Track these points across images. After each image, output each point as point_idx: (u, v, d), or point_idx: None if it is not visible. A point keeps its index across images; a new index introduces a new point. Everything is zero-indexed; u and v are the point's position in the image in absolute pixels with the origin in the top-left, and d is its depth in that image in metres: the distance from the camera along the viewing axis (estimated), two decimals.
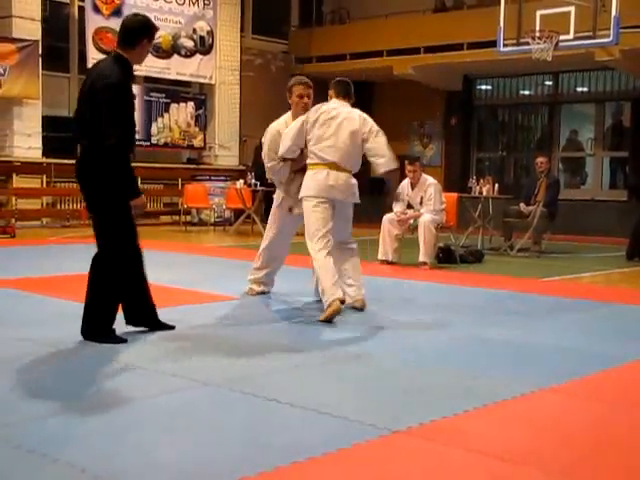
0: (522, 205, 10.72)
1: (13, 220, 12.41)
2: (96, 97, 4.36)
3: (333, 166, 5.55)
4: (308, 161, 5.66)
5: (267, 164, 6.05)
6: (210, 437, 2.95)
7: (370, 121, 5.67)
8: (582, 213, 13.86)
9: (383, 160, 5.61)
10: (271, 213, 6.38)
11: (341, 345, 4.66)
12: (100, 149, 4.36)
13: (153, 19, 15.16)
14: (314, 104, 5.83)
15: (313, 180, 5.58)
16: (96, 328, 4.49)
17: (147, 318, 4.79)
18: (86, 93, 4.49)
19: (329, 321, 5.21)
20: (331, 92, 5.80)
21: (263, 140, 6.12)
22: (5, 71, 12.93)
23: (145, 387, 3.64)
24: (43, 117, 13.65)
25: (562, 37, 12.20)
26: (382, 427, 3.04)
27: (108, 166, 4.38)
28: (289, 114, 6.04)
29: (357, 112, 5.70)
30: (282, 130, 5.88)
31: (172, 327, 4.85)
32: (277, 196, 6.27)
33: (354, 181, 5.68)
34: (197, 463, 2.68)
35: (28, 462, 2.66)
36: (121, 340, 4.48)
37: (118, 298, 4.60)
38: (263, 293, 6.31)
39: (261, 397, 3.45)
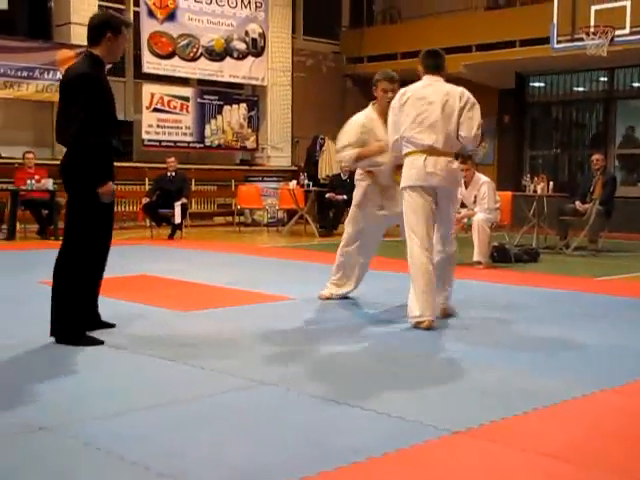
0: (578, 203, 10.58)
1: None
2: (67, 89, 4.48)
3: (431, 151, 5.17)
4: (403, 150, 5.30)
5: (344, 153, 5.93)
6: (269, 436, 2.98)
7: (467, 94, 5.23)
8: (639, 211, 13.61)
9: (463, 139, 5.21)
10: (350, 214, 6.09)
11: (398, 345, 4.66)
12: (67, 139, 4.45)
13: (205, 22, 15.39)
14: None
15: (411, 168, 5.20)
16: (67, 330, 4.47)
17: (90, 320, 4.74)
18: (60, 89, 4.60)
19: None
20: (420, 67, 5.40)
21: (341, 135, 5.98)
22: None
23: (204, 386, 3.70)
24: None
25: (618, 32, 12.01)
26: (442, 428, 3.05)
27: (74, 156, 4.43)
28: (370, 108, 5.95)
29: (451, 86, 5.28)
30: (362, 122, 5.88)
31: (113, 325, 4.88)
32: (358, 193, 6.00)
33: (456, 165, 5.30)
34: (257, 462, 2.72)
35: (95, 459, 2.74)
36: (97, 342, 4.47)
37: (82, 297, 4.54)
38: (331, 298, 6.08)
39: (318, 397, 3.48)
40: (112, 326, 4.88)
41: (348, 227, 6.06)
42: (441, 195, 5.25)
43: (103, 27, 4.51)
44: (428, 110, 5.16)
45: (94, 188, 4.43)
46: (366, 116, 5.94)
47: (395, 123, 5.32)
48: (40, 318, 5.24)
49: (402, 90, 5.37)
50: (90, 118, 4.35)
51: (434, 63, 5.35)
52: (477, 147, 5.46)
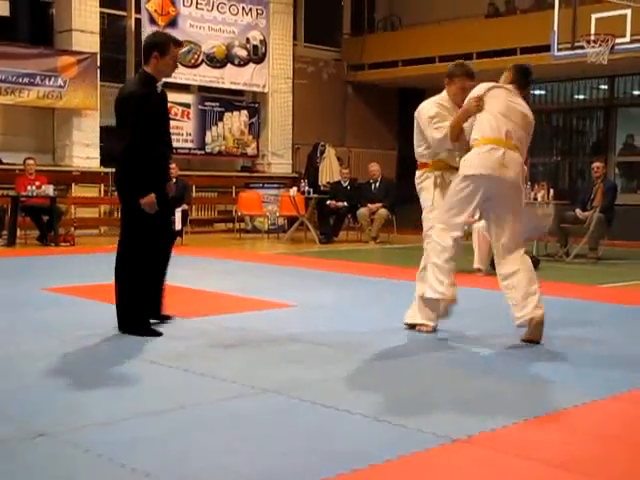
0: (578, 211, 10.59)
1: (72, 228, 12.68)
2: (118, 108, 5.00)
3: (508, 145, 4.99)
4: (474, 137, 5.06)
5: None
6: (271, 444, 2.98)
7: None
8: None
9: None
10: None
11: (399, 353, 4.66)
12: (117, 154, 4.97)
13: (207, 29, 15.42)
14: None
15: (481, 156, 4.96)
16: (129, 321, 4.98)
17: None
18: (114, 108, 5.06)
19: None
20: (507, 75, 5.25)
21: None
22: (65, 83, 13.24)
23: (205, 393, 3.70)
24: (101, 127, 13.92)
25: (618, 40, 12.03)
26: (442, 435, 3.05)
27: (123, 169, 4.95)
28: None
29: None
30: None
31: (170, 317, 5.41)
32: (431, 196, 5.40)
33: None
34: (257, 469, 2.72)
35: (96, 466, 2.73)
36: (156, 333, 4.94)
37: (141, 293, 5.02)
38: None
39: (319, 404, 3.48)
40: (170, 318, 5.37)
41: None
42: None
43: (151, 48, 4.96)
44: (512, 111, 5.03)
45: (137, 198, 4.85)
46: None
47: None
48: (44, 325, 5.26)
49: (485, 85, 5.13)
50: (138, 134, 4.79)
51: (518, 77, 5.22)
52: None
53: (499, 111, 5.03)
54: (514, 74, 5.24)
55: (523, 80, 5.24)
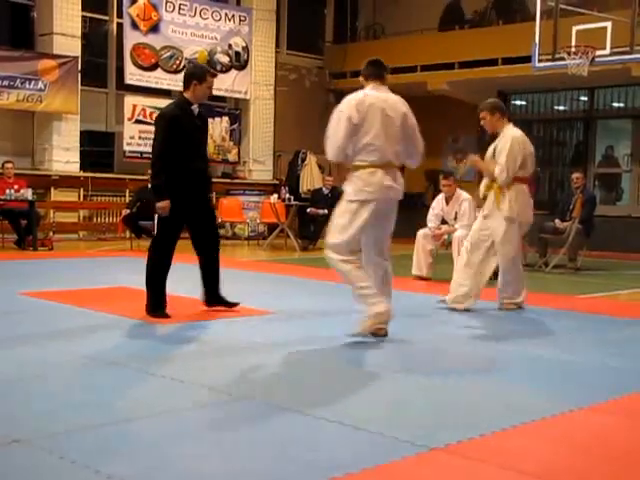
0: (557, 221, 10.65)
1: (51, 233, 12.58)
2: (154, 125, 6.05)
3: (390, 165, 5.19)
4: (354, 162, 5.30)
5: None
6: (247, 452, 2.96)
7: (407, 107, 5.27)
8: (619, 230, 13.71)
9: (417, 157, 5.40)
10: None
11: (377, 360, 4.65)
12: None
13: (189, 35, 15.34)
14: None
15: (368, 182, 5.29)
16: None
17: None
18: None
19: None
20: (361, 78, 5.39)
21: None
22: (46, 86, 13.15)
23: (182, 399, 3.67)
24: (81, 132, 13.86)
25: (598, 52, 12.12)
26: (419, 444, 3.04)
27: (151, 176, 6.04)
28: None
29: (398, 97, 5.28)
30: None
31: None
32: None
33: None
34: (234, 477, 2.70)
35: (70, 473, 2.70)
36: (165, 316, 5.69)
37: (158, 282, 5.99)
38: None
39: (297, 412, 3.46)
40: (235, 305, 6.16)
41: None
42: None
43: (190, 76, 5.82)
44: (389, 123, 5.14)
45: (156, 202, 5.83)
46: None
47: (350, 130, 5.16)
48: (20, 331, 5.19)
49: (359, 97, 5.22)
50: (164, 148, 5.69)
51: (381, 72, 5.33)
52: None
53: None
54: (369, 70, 5.30)
55: (378, 72, 5.29)
